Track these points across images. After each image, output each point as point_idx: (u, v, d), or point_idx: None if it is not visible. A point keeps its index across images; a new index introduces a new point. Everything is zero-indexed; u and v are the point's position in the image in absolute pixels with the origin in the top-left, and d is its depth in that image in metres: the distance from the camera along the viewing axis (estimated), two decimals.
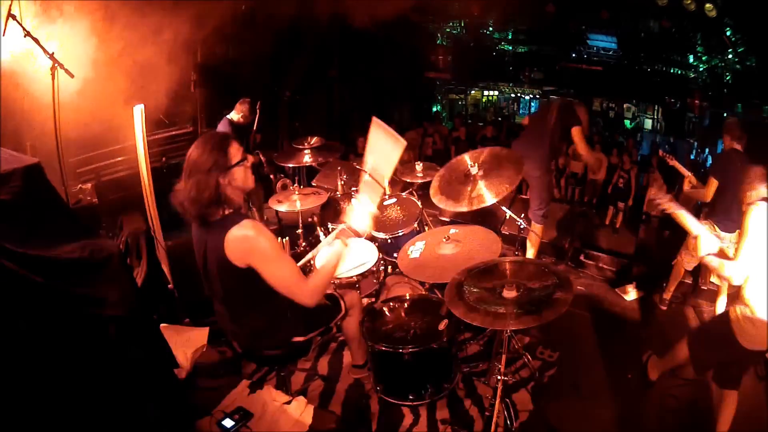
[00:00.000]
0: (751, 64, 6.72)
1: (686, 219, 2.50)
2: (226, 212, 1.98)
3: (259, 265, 1.95)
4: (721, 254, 2.45)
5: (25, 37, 3.00)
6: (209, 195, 1.89)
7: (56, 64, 3.08)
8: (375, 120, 2.41)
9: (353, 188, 4.26)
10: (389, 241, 3.59)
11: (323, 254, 2.50)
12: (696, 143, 8.61)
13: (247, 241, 1.91)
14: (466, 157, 3.18)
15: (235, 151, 1.96)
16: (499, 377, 2.41)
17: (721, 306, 3.50)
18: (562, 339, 3.41)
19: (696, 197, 3.68)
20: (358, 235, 2.30)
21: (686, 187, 3.71)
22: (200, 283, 2.22)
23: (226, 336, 2.57)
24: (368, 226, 2.29)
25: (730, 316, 2.45)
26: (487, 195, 2.94)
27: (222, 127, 5.11)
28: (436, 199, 3.13)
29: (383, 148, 2.40)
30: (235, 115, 5.05)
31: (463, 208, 2.98)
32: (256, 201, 5.27)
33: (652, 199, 2.60)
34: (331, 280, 2.12)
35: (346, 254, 2.24)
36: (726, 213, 3.37)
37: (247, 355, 2.49)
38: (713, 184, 3.40)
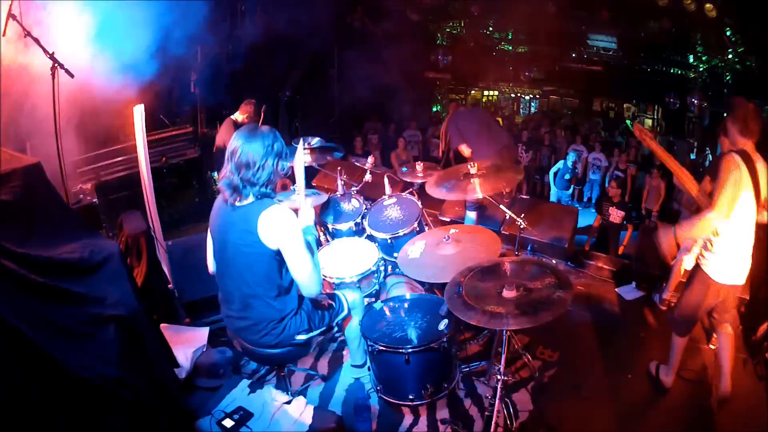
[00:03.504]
0: (751, 64, 6.71)
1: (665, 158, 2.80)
2: (258, 196, 2.11)
3: (287, 246, 2.09)
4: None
5: (25, 37, 3.00)
6: (268, 177, 2.09)
7: (56, 64, 3.08)
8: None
9: (353, 188, 4.26)
10: (389, 241, 3.59)
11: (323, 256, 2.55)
12: (696, 143, 8.61)
13: (282, 222, 2.07)
14: (469, 164, 3.22)
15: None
16: (499, 377, 2.41)
17: None
18: (562, 339, 3.41)
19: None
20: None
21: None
22: (200, 283, 2.24)
23: (227, 336, 2.58)
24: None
25: (700, 263, 2.70)
26: (480, 189, 2.97)
27: (225, 127, 5.10)
28: (431, 189, 3.17)
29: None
30: (239, 116, 5.03)
31: (454, 197, 3.03)
32: None
33: (639, 132, 2.85)
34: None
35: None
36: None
37: (248, 354, 2.49)
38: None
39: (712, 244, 2.62)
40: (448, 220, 5.07)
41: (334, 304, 2.56)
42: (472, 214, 4.60)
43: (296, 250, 2.12)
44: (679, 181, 2.83)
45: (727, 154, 2.58)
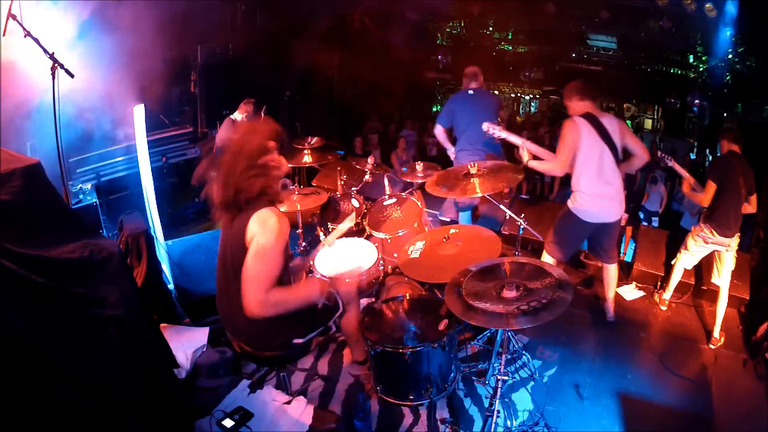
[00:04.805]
0: (751, 64, 6.71)
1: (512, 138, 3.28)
2: (259, 198, 2.08)
3: (252, 245, 1.99)
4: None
5: (25, 37, 2.99)
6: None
7: (56, 64, 3.08)
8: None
9: (353, 188, 4.26)
10: (389, 241, 3.59)
11: (323, 256, 2.55)
12: (696, 143, 8.61)
13: (262, 222, 2.00)
14: (469, 164, 3.21)
15: None
16: (499, 377, 2.41)
17: (721, 307, 3.49)
18: (562, 339, 3.42)
19: (694, 200, 3.65)
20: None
21: (685, 188, 3.69)
22: (200, 283, 2.23)
23: (226, 336, 2.58)
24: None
25: (570, 206, 3.25)
26: (480, 188, 2.97)
27: (225, 127, 5.09)
28: (431, 188, 3.15)
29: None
30: (238, 116, 5.03)
31: (455, 196, 3.05)
32: None
33: (488, 128, 3.32)
34: (290, 309, 2.12)
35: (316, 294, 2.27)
36: (724, 217, 3.36)
37: (247, 355, 2.49)
38: (711, 187, 3.36)
39: (578, 191, 3.17)
40: (448, 220, 5.07)
41: (329, 303, 2.55)
42: (464, 214, 4.59)
43: (255, 254, 1.96)
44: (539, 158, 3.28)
45: (568, 119, 3.13)
